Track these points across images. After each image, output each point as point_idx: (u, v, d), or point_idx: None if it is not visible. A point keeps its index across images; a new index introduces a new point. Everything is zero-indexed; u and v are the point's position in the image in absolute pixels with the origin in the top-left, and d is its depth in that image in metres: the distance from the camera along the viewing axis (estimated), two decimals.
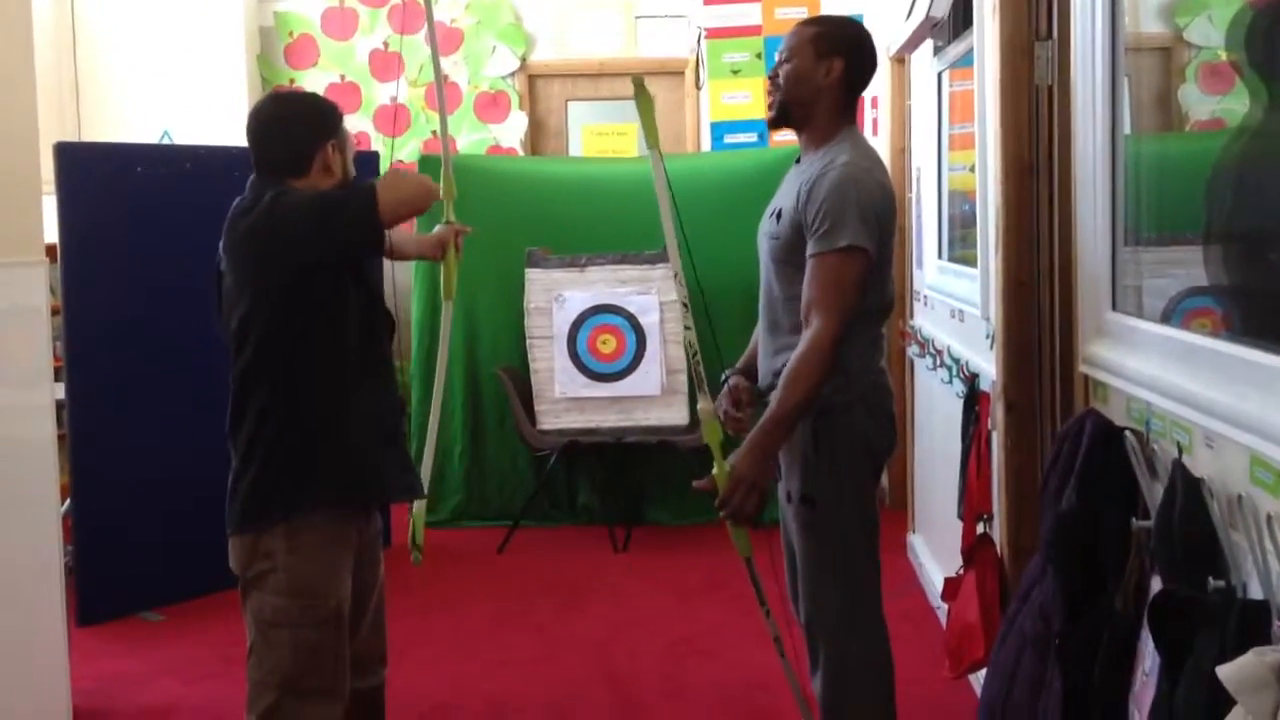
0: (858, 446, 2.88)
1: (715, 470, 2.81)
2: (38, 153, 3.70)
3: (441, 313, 3.36)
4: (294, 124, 2.81)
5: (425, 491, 3.13)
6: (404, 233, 3.30)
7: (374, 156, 5.94)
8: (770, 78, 2.95)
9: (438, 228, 3.24)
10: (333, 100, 2.94)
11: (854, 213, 2.72)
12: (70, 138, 6.14)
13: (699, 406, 2.93)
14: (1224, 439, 2.04)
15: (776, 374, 2.91)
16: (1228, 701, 1.74)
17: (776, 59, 2.95)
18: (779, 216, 2.88)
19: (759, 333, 3.09)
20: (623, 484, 6.02)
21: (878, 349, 2.97)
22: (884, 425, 2.95)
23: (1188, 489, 2.06)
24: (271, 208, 2.63)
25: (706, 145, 6.72)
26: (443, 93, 3.40)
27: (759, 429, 2.76)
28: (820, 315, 2.72)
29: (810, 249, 2.76)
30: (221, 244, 2.74)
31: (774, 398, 2.75)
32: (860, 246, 2.72)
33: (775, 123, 2.98)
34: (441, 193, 3.21)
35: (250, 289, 2.69)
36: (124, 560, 4.76)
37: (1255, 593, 1.89)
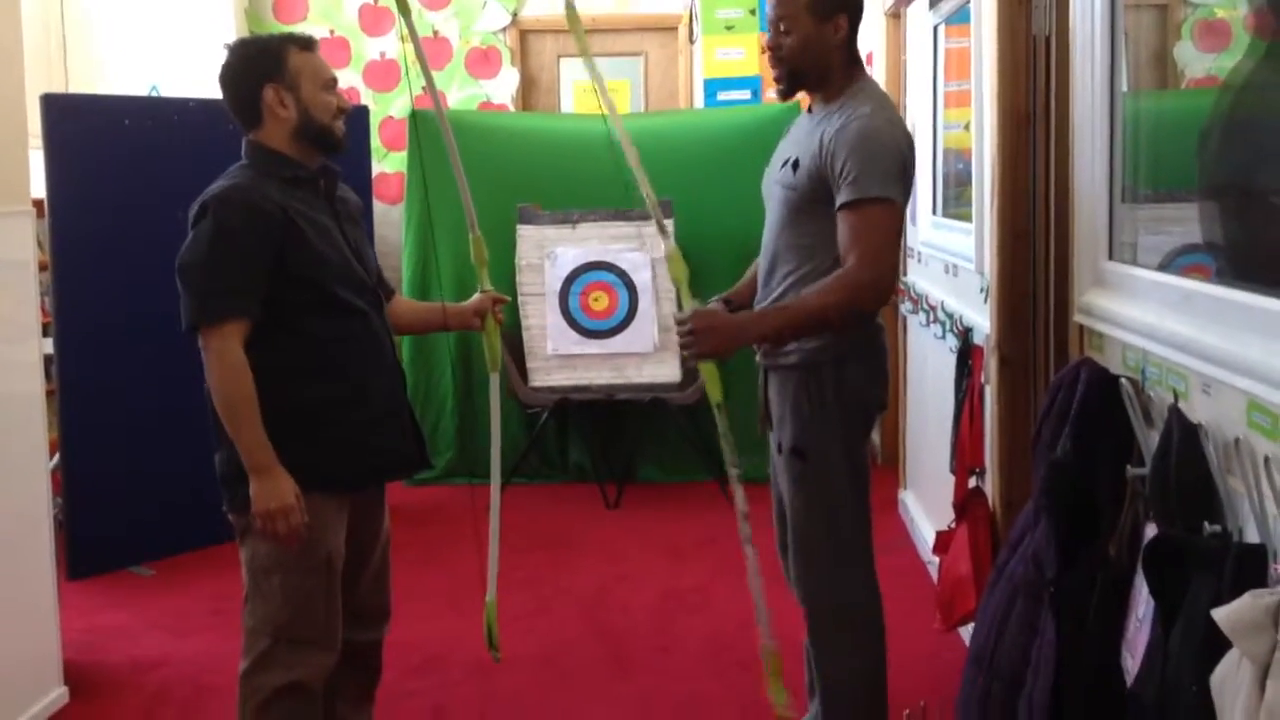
0: (850, 401, 2.86)
1: (683, 301, 2.82)
2: (24, 104, 3.66)
3: (489, 385, 3.17)
4: (236, 73, 2.72)
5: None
6: (435, 306, 3.19)
7: (364, 111, 5.89)
8: (770, 49, 2.87)
9: (475, 296, 3.10)
10: (286, 37, 2.75)
11: (881, 164, 2.70)
12: (58, 90, 6.08)
13: (664, 248, 2.91)
14: (1221, 384, 2.03)
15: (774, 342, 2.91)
16: (1223, 645, 1.74)
17: (771, 29, 2.86)
18: (795, 166, 2.84)
19: (759, 278, 3.04)
20: (614, 441, 6.01)
21: None
22: (877, 380, 2.94)
23: (1184, 435, 2.05)
24: (189, 243, 2.63)
25: (700, 102, 6.67)
26: (455, 153, 3.15)
27: (762, 310, 2.78)
28: (856, 258, 2.68)
29: (839, 200, 2.72)
30: None
31: (799, 296, 2.74)
32: (890, 198, 2.70)
33: (787, 94, 2.94)
34: (473, 258, 3.10)
35: None
36: (113, 515, 4.75)
37: (1251, 537, 1.89)
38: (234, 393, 2.58)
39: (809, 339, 2.81)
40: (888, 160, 2.72)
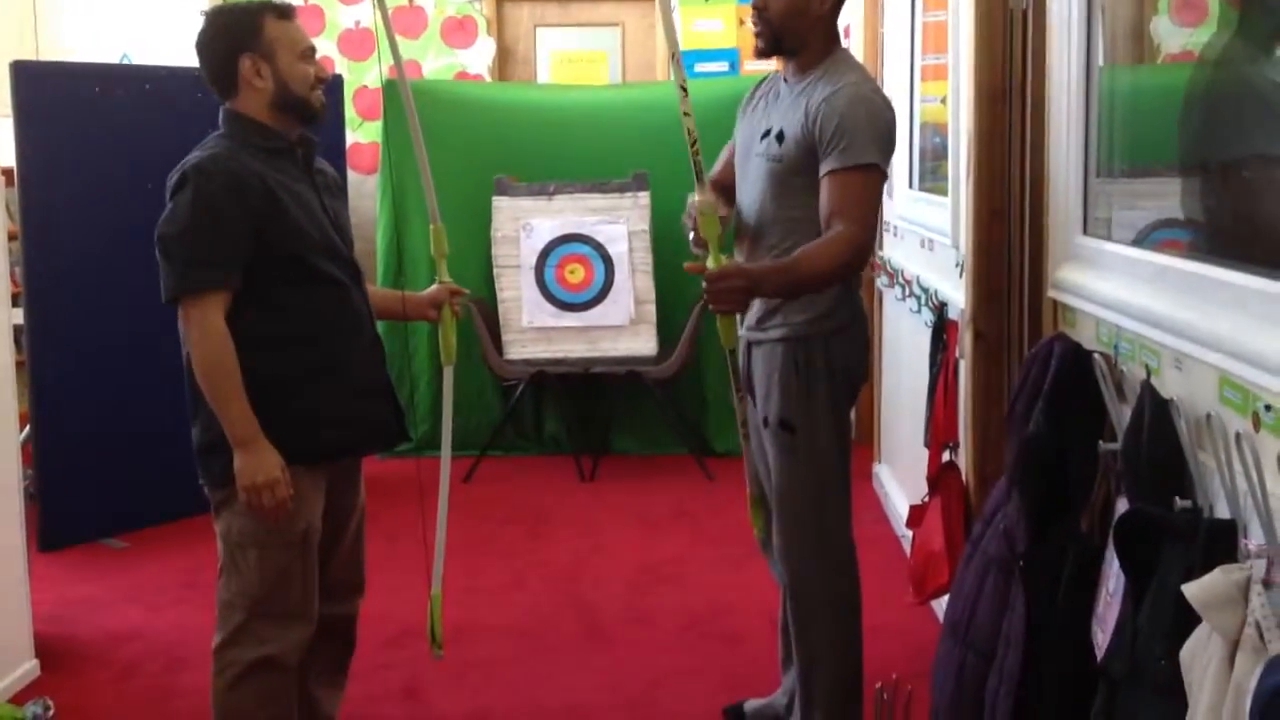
0: (837, 373, 2.91)
1: (710, 261, 2.71)
2: None
3: (443, 377, 3.09)
4: (212, 42, 2.69)
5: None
6: (394, 294, 3.10)
7: (338, 81, 5.84)
8: (757, 8, 2.86)
9: (433, 287, 3.01)
10: (264, 6, 2.69)
11: (871, 131, 2.74)
12: (28, 58, 6.00)
13: (696, 199, 2.79)
14: (1193, 360, 2.04)
15: (761, 315, 2.90)
16: (1193, 620, 1.75)
17: None
18: (780, 138, 2.85)
19: (744, 247, 3.03)
20: (590, 414, 6.00)
21: (857, 278, 2.97)
22: (861, 352, 3.01)
23: (1156, 410, 2.06)
24: (168, 213, 2.60)
25: None
26: (424, 157, 3.00)
27: (770, 266, 2.74)
28: (846, 222, 2.70)
29: (827, 166, 2.75)
30: None
31: (801, 255, 2.71)
32: (878, 165, 2.75)
33: (764, 53, 2.94)
34: (433, 249, 3.02)
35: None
36: (86, 486, 4.73)
37: (1222, 513, 1.90)
38: (217, 365, 2.56)
39: (796, 313, 2.86)
40: (876, 128, 2.76)
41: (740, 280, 2.67)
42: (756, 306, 2.92)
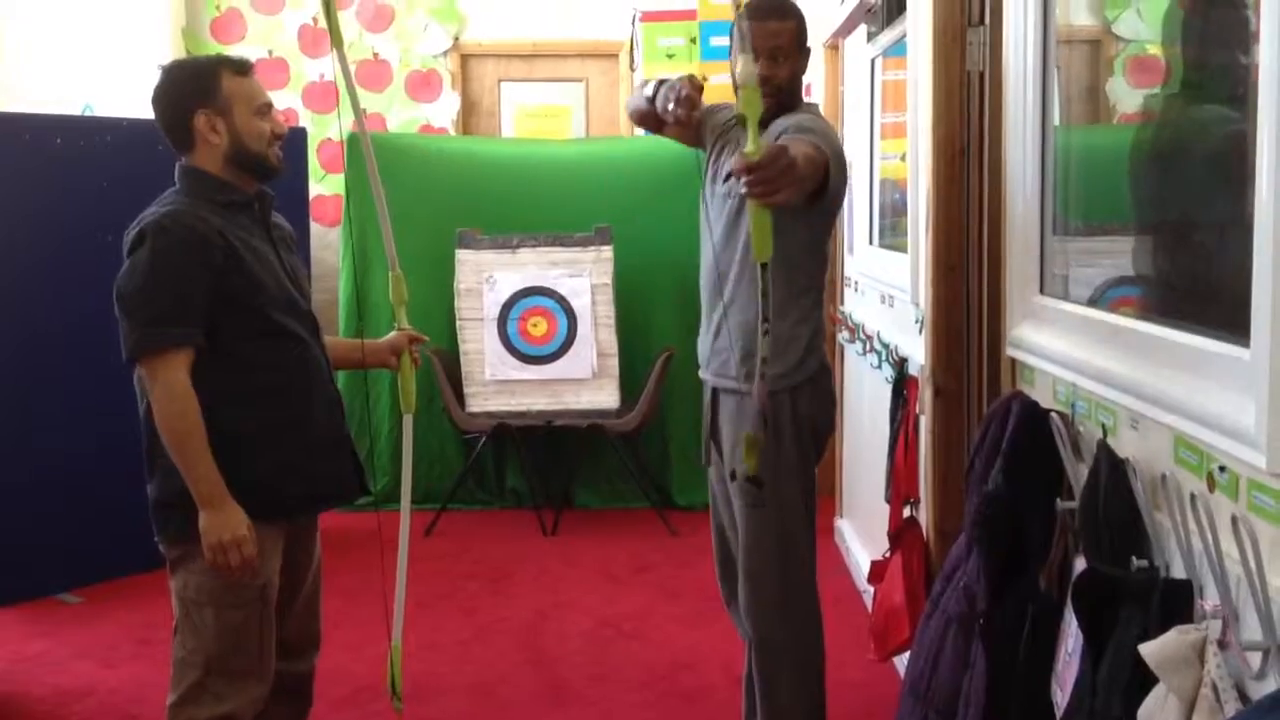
0: (804, 427, 2.94)
1: (750, 146, 2.29)
2: None
3: (402, 424, 3.00)
4: (167, 96, 2.68)
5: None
6: (353, 343, 3.07)
7: (302, 133, 5.85)
8: (766, 79, 2.83)
9: (392, 334, 2.99)
10: (220, 61, 2.69)
11: (828, 144, 2.79)
12: None
13: (739, 70, 2.34)
14: (1149, 420, 2.06)
15: (747, 353, 2.90)
16: (1150, 680, 1.75)
17: (765, 59, 2.86)
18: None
19: (703, 293, 3.07)
20: (552, 467, 5.99)
21: (822, 333, 3.03)
22: (827, 405, 3.04)
23: (1112, 470, 2.08)
24: (127, 270, 2.57)
25: (641, 129, 6.67)
26: (383, 206, 2.96)
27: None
28: (805, 146, 2.66)
29: (786, 138, 2.74)
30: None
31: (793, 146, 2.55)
32: (827, 156, 2.75)
33: (768, 121, 2.94)
34: (392, 296, 3.00)
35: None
36: (39, 540, 4.66)
37: (1178, 572, 1.91)
38: (183, 424, 2.53)
39: (773, 366, 2.83)
40: (834, 145, 2.84)
41: (787, 158, 2.32)
42: (726, 354, 2.93)
